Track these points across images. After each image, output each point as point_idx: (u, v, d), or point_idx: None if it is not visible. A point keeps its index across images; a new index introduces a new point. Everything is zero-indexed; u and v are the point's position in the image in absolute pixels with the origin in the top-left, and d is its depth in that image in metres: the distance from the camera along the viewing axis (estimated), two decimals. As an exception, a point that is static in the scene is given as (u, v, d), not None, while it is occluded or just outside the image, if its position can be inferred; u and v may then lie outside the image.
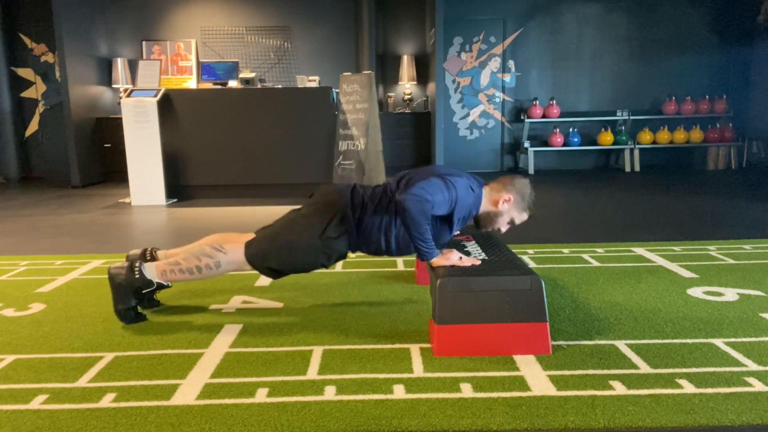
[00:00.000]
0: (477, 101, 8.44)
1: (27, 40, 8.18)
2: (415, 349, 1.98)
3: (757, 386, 1.67)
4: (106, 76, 7.92)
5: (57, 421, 1.54)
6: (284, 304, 2.52)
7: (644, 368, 1.81)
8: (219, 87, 6.16)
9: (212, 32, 8.19)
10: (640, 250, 3.37)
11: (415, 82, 8.34)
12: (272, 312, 2.41)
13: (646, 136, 8.03)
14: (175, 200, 5.86)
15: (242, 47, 8.21)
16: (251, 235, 2.29)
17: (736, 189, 5.97)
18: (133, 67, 7.81)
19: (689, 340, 2.02)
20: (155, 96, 5.62)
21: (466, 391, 1.67)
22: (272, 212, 5.01)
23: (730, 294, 2.54)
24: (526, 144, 8.09)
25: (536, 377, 1.75)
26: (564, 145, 8.08)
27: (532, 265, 3.08)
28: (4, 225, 4.58)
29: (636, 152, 8.03)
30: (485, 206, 2.25)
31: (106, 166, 7.65)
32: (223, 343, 2.08)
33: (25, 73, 8.24)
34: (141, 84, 6.00)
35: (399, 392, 1.67)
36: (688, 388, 1.67)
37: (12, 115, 8.16)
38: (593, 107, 8.38)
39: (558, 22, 8.25)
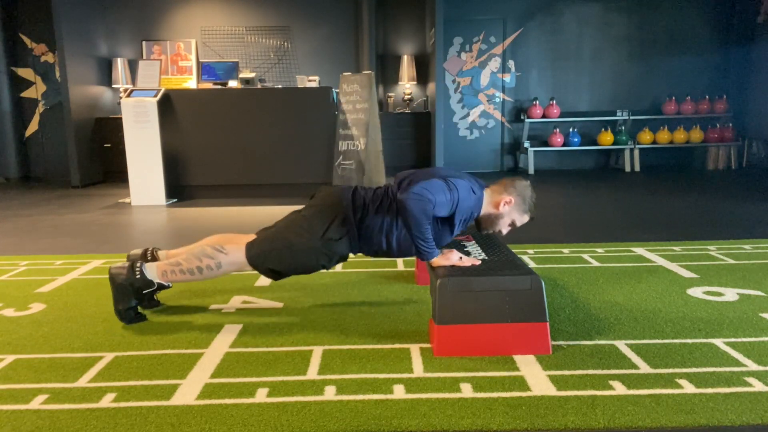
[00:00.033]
0: (477, 101, 8.44)
1: (27, 40, 8.18)
2: (415, 349, 1.98)
3: (757, 386, 1.67)
4: (106, 76, 7.92)
5: (57, 421, 1.54)
6: (284, 304, 2.52)
7: (644, 368, 1.81)
8: (219, 87, 6.16)
9: (212, 32, 8.19)
10: (640, 250, 3.37)
11: (415, 82, 8.34)
12: (272, 312, 2.41)
13: (646, 136, 8.03)
14: (175, 200, 5.86)
15: (242, 47, 8.21)
16: (252, 236, 2.29)
17: (736, 189, 5.97)
18: (133, 67, 7.81)
19: (689, 340, 2.03)
20: (155, 96, 5.63)
21: (466, 391, 1.68)
22: (272, 212, 5.01)
23: (730, 294, 2.54)
24: (526, 144, 8.09)
25: (536, 377, 1.75)
26: (564, 145, 8.08)
27: (532, 265, 3.08)
28: (4, 225, 4.58)
29: (636, 152, 8.03)
30: (486, 208, 2.25)
31: (106, 166, 7.65)
32: (223, 343, 2.08)
33: (25, 73, 8.25)
34: (141, 84, 6.00)
35: (399, 392, 1.67)
36: (688, 388, 1.67)
37: (12, 115, 8.16)
38: (593, 107, 8.38)
39: (558, 22, 8.25)
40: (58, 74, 8.06)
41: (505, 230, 2.31)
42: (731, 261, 3.09)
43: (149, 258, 2.43)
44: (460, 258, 2.07)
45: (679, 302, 2.44)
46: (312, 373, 1.81)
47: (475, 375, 1.78)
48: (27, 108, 8.32)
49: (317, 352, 1.98)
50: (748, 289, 2.61)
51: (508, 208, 2.24)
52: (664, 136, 8.03)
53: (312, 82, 6.29)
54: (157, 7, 8.12)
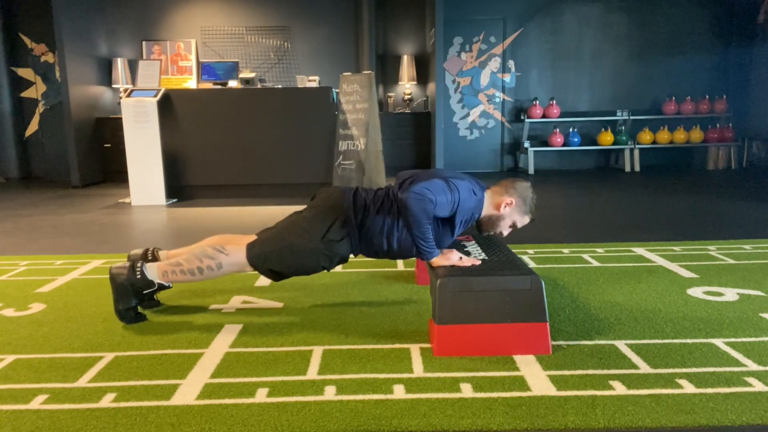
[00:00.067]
0: (477, 101, 8.44)
1: (27, 40, 8.18)
2: (415, 349, 1.98)
3: (757, 386, 1.67)
4: (106, 76, 7.92)
5: (57, 421, 1.54)
6: (284, 304, 2.52)
7: (644, 368, 1.81)
8: (219, 87, 6.16)
9: (212, 32, 8.19)
10: (640, 250, 3.37)
11: (415, 82, 8.34)
12: (272, 312, 2.42)
13: (646, 136, 8.03)
14: (175, 200, 5.86)
15: (242, 47, 8.21)
16: (253, 237, 2.30)
17: (736, 189, 5.97)
18: (133, 67, 7.81)
19: (689, 340, 2.03)
20: (155, 96, 5.63)
21: (466, 391, 1.68)
22: (272, 212, 5.01)
23: (730, 294, 2.54)
24: (526, 144, 8.09)
25: (536, 377, 1.75)
26: (564, 145, 8.08)
27: (532, 265, 3.08)
28: (4, 225, 4.58)
29: (636, 152, 8.03)
30: (487, 210, 2.26)
31: (106, 166, 7.65)
32: (223, 343, 2.08)
33: (25, 73, 8.25)
34: (141, 84, 6.00)
35: (399, 392, 1.67)
36: (688, 388, 1.67)
37: (12, 115, 8.16)
38: (593, 107, 8.38)
39: (558, 22, 8.25)
40: (58, 74, 8.06)
41: (506, 232, 2.31)
42: (731, 261, 3.09)
43: (150, 258, 2.43)
44: (460, 258, 2.07)
45: (679, 302, 2.44)
46: (312, 373, 1.81)
47: (475, 375, 1.78)
48: (27, 108, 8.32)
49: (317, 352, 1.98)
50: (748, 289, 2.61)
51: (509, 209, 2.24)
52: (664, 136, 8.03)
53: (312, 82, 6.29)
54: (157, 7, 8.12)
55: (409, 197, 1.99)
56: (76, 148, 7.03)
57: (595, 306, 2.41)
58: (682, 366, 1.82)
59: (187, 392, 1.69)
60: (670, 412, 1.54)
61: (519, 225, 2.30)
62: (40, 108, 8.30)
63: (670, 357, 1.89)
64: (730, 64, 8.24)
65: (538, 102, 8.10)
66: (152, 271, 2.25)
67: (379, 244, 2.23)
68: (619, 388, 1.67)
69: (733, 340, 2.02)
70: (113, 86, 7.98)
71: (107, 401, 1.65)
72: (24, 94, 8.28)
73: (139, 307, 2.34)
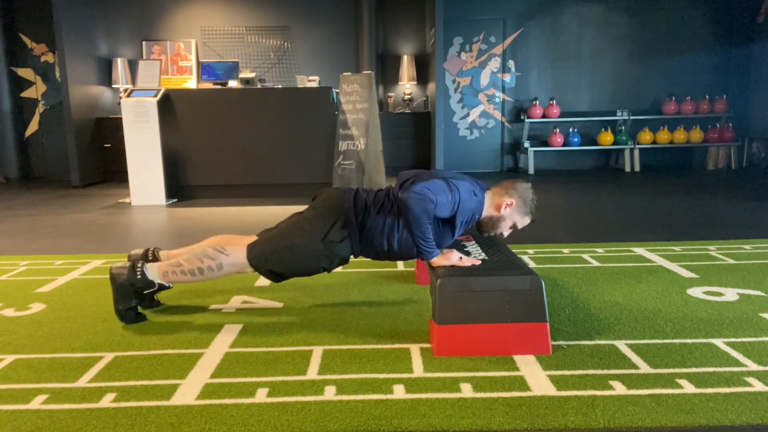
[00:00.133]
0: (477, 101, 8.44)
1: (27, 40, 8.18)
2: (415, 349, 1.98)
3: (757, 386, 1.67)
4: (106, 76, 7.92)
5: (57, 421, 1.54)
6: (284, 304, 2.52)
7: (644, 368, 1.81)
8: (219, 87, 6.16)
9: (212, 32, 8.19)
10: (640, 250, 3.37)
11: (415, 82, 8.35)
12: (272, 312, 2.42)
13: (646, 136, 8.03)
14: (175, 200, 5.86)
15: (242, 47, 8.21)
16: (253, 238, 2.30)
17: (736, 189, 5.97)
18: (133, 67, 7.81)
19: (689, 340, 2.03)
20: (155, 96, 5.63)
21: (466, 391, 1.68)
22: (272, 212, 5.01)
23: (730, 294, 2.54)
24: (526, 144, 8.09)
25: (536, 377, 1.75)
26: (564, 145, 8.08)
27: (532, 265, 3.08)
28: (4, 225, 4.58)
29: (636, 152, 8.03)
30: (488, 211, 2.26)
31: (106, 166, 7.65)
32: (223, 343, 2.08)
33: (25, 73, 8.25)
34: (141, 84, 6.00)
35: (399, 392, 1.67)
36: (688, 388, 1.67)
37: (12, 115, 8.16)
38: (593, 107, 8.38)
39: (558, 22, 8.25)
40: (58, 74, 8.07)
41: (506, 233, 2.31)
42: (731, 261, 3.09)
43: (150, 258, 2.43)
44: (460, 258, 2.07)
45: (679, 302, 2.44)
46: (312, 373, 1.81)
47: (475, 375, 1.78)
48: (27, 108, 8.32)
49: (317, 352, 1.98)
50: (748, 289, 2.61)
51: (509, 210, 2.25)
52: (664, 136, 8.04)
53: (312, 82, 6.29)
54: (157, 7, 8.12)
55: (410, 197, 2.00)
56: (76, 148, 7.03)
57: (595, 306, 2.41)
58: (682, 366, 1.82)
59: (187, 392, 1.69)
60: (670, 412, 1.54)
61: (519, 226, 2.31)
62: (40, 108, 8.30)
63: (670, 357, 1.89)
64: (730, 64, 8.24)
65: (538, 102, 8.10)
66: (153, 272, 2.25)
67: (379, 244, 2.23)
68: (619, 388, 1.67)
69: (733, 340, 2.02)
70: (113, 86, 7.98)
71: (107, 401, 1.65)
72: (24, 94, 8.28)
73: (139, 307, 2.35)
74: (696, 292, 2.58)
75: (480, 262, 2.09)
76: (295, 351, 1.99)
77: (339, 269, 3.05)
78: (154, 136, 5.60)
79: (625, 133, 8.03)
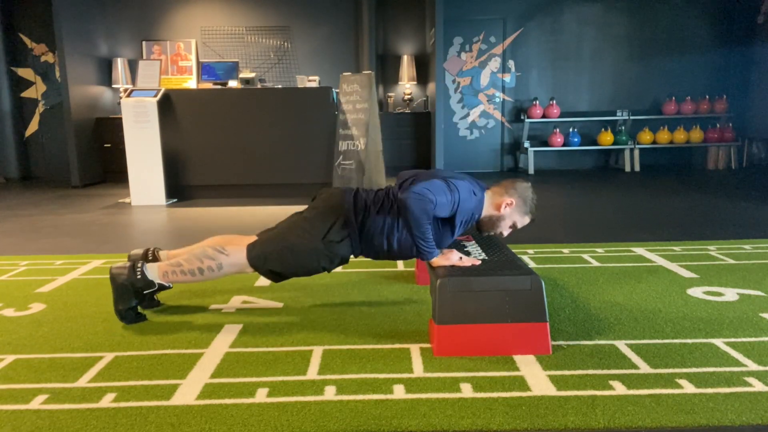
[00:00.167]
0: (477, 101, 8.44)
1: (27, 40, 8.18)
2: (415, 349, 1.98)
3: (757, 386, 1.67)
4: (106, 76, 7.92)
5: (57, 421, 1.54)
6: (284, 304, 2.52)
7: (644, 368, 1.81)
8: (219, 87, 6.16)
9: (212, 32, 8.19)
10: (640, 250, 3.37)
11: (415, 82, 8.34)
12: (272, 312, 2.42)
13: (646, 136, 8.03)
14: (175, 200, 5.86)
15: (242, 47, 8.21)
16: (253, 238, 2.30)
17: (736, 189, 5.97)
18: (133, 67, 7.81)
19: (689, 340, 2.03)
20: (155, 96, 5.63)
21: (466, 391, 1.68)
22: (272, 212, 5.01)
23: (730, 294, 2.54)
24: (526, 144, 8.09)
25: (536, 377, 1.75)
26: (564, 145, 8.08)
27: (532, 265, 3.08)
28: (4, 225, 4.58)
29: (636, 152, 8.03)
30: (487, 210, 2.26)
31: (106, 166, 7.65)
32: (223, 343, 2.08)
33: (25, 73, 8.25)
34: (141, 84, 6.00)
35: (399, 392, 1.67)
36: (688, 388, 1.67)
37: (12, 115, 8.16)
38: (593, 107, 8.38)
39: (558, 22, 8.25)
40: (58, 74, 8.07)
41: (506, 232, 2.31)
42: (731, 261, 3.09)
43: (150, 258, 2.43)
44: (460, 258, 2.07)
45: (679, 302, 2.44)
46: (312, 373, 1.81)
47: (475, 375, 1.78)
48: (27, 108, 8.32)
49: (317, 352, 1.98)
50: (748, 289, 2.61)
51: (509, 210, 2.25)
52: (664, 136, 8.04)
53: (312, 82, 6.29)
54: (157, 7, 8.12)
55: (409, 197, 2.00)
56: (76, 148, 7.03)
57: (595, 306, 2.41)
58: (682, 366, 1.82)
59: (187, 392, 1.69)
60: (670, 412, 1.54)
61: (519, 225, 2.31)
62: (40, 108, 8.30)
63: (670, 357, 1.89)
64: (730, 64, 8.24)
65: (538, 102, 8.10)
66: (153, 272, 2.25)
67: (379, 244, 2.23)
68: (619, 388, 1.67)
69: (733, 340, 2.02)
70: (113, 86, 7.98)
71: (107, 401, 1.65)
72: (24, 94, 8.28)
73: (139, 307, 2.35)
74: (696, 292, 2.58)
75: (480, 262, 2.09)
76: (295, 351, 1.99)
77: (339, 269, 3.05)
78: (154, 136, 5.60)
79: (625, 133, 8.03)
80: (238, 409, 1.59)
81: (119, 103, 6.50)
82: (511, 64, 8.35)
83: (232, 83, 6.35)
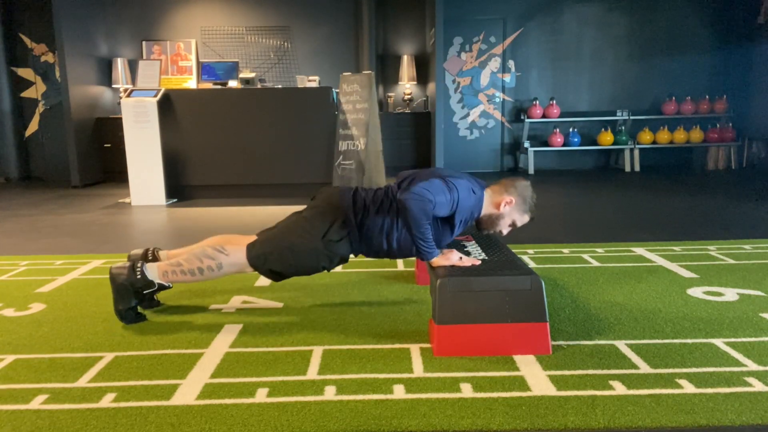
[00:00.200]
0: (477, 101, 8.44)
1: (27, 40, 8.18)
2: (415, 349, 1.98)
3: (757, 386, 1.67)
4: (106, 76, 7.92)
5: (57, 421, 1.54)
6: (284, 304, 2.52)
7: (644, 368, 1.81)
8: (219, 87, 6.16)
9: (212, 32, 8.19)
10: (640, 250, 3.37)
11: (415, 82, 8.34)
12: (272, 312, 2.42)
13: (646, 136, 8.03)
14: (175, 200, 5.86)
15: (242, 47, 8.21)
16: (253, 237, 2.30)
17: (736, 189, 5.97)
18: (133, 67, 7.81)
19: (689, 340, 2.03)
20: (155, 96, 5.63)
21: (466, 391, 1.68)
22: (272, 212, 5.01)
23: (730, 294, 2.54)
24: (526, 144, 8.09)
25: (536, 377, 1.75)
26: (564, 145, 8.08)
27: (532, 265, 3.08)
28: (4, 225, 4.58)
29: (636, 152, 8.03)
30: (487, 208, 2.26)
31: (106, 166, 7.65)
32: (223, 343, 2.08)
33: (25, 73, 8.24)
34: (141, 84, 6.00)
35: (399, 392, 1.67)
36: (688, 388, 1.67)
37: (12, 115, 8.16)
38: (593, 107, 8.38)
39: (558, 22, 8.25)
40: (58, 74, 8.06)
41: (505, 231, 2.31)
42: (731, 261, 3.09)
43: (150, 258, 2.43)
44: (460, 258, 2.07)
45: (679, 302, 2.44)
46: (312, 373, 1.81)
47: (475, 375, 1.78)
48: (27, 108, 8.32)
49: (317, 352, 1.98)
50: (748, 289, 2.61)
51: (508, 208, 2.25)
52: (664, 136, 8.04)
53: (312, 82, 6.29)
54: (157, 7, 8.12)
55: (408, 198, 2.00)
56: (76, 148, 7.03)
57: (595, 306, 2.41)
58: (682, 366, 1.82)
59: (187, 392, 1.69)
60: (670, 412, 1.54)
61: (519, 224, 2.30)
62: (40, 108, 8.30)
63: (670, 357, 1.89)
64: (730, 64, 8.24)
65: (538, 102, 8.10)
66: (152, 271, 2.25)
67: (378, 243, 2.23)
68: (619, 388, 1.67)
69: (733, 340, 2.02)
70: (113, 86, 7.98)
71: (107, 401, 1.65)
72: (24, 94, 8.28)
73: (139, 307, 2.35)
74: (696, 292, 2.58)
75: (480, 262, 2.09)
76: (295, 351, 1.99)
77: (339, 269, 3.05)
78: (154, 136, 5.60)
79: (625, 133, 8.03)
80: (238, 409, 1.59)
81: (119, 103, 6.50)
82: (511, 64, 8.35)
83: (232, 83, 6.36)
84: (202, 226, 4.45)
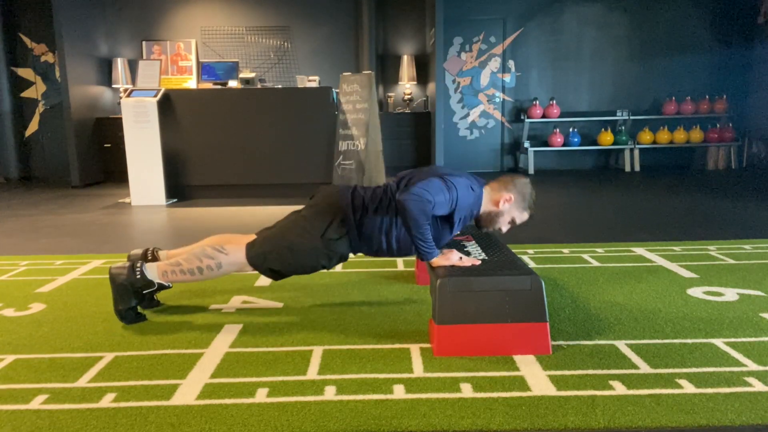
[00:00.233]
0: (477, 101, 8.44)
1: (27, 40, 8.18)
2: (415, 349, 1.98)
3: (757, 386, 1.67)
4: (106, 76, 7.92)
5: (57, 421, 1.54)
6: (284, 304, 2.52)
7: (644, 368, 1.81)
8: (219, 87, 6.16)
9: (212, 32, 8.19)
10: (640, 250, 3.37)
11: (415, 82, 8.35)
12: (272, 312, 2.41)
13: (646, 136, 8.03)
14: (175, 200, 5.86)
15: (242, 47, 8.21)
16: (252, 237, 2.30)
17: (736, 189, 5.97)
18: (133, 67, 7.81)
19: (689, 340, 2.02)
20: (155, 96, 5.63)
21: (466, 391, 1.67)
22: (272, 212, 5.01)
23: (730, 294, 2.54)
24: (526, 144, 8.09)
25: (536, 377, 1.75)
26: (564, 145, 8.08)
27: (532, 265, 3.08)
28: (4, 225, 4.58)
29: (636, 152, 8.03)
30: (486, 206, 2.26)
31: (106, 166, 7.65)
32: (223, 343, 2.08)
33: (25, 73, 8.25)
34: (141, 84, 6.00)
35: (399, 392, 1.67)
36: (688, 388, 1.67)
37: (12, 115, 8.16)
38: (593, 107, 8.39)
39: (558, 22, 8.26)
40: (58, 74, 8.07)
41: (505, 228, 2.31)
42: (731, 261, 3.09)
43: (150, 258, 2.43)
44: (460, 258, 2.07)
45: (679, 302, 2.44)
46: (312, 373, 1.81)
47: (475, 375, 1.78)
48: (27, 108, 8.32)
49: (317, 352, 1.98)
50: (748, 289, 2.61)
51: (508, 205, 2.24)
52: (664, 136, 8.04)
53: (312, 82, 6.29)
54: (157, 7, 8.12)
55: (407, 199, 1.99)
56: (76, 148, 7.03)
57: (595, 306, 2.41)
58: (682, 366, 1.82)
59: (187, 392, 1.69)
60: (670, 412, 1.54)
61: (518, 221, 2.30)
62: (40, 108, 8.31)
63: (670, 357, 1.89)
64: (730, 64, 8.24)
65: (538, 102, 8.10)
66: (152, 271, 2.25)
67: (378, 242, 2.23)
68: (619, 388, 1.67)
69: (733, 340, 2.02)
70: (113, 86, 7.98)
71: (107, 401, 1.65)
72: (24, 94, 8.28)
73: (139, 307, 2.34)
74: (696, 292, 2.58)
75: (480, 262, 2.09)
76: (295, 351, 1.99)
77: (339, 269, 3.05)
78: (154, 136, 5.60)
79: (625, 133, 8.03)
80: (238, 409, 1.59)
81: (119, 103, 6.50)
82: (511, 64, 8.35)
83: (232, 83, 6.35)
84: (202, 226, 4.45)
